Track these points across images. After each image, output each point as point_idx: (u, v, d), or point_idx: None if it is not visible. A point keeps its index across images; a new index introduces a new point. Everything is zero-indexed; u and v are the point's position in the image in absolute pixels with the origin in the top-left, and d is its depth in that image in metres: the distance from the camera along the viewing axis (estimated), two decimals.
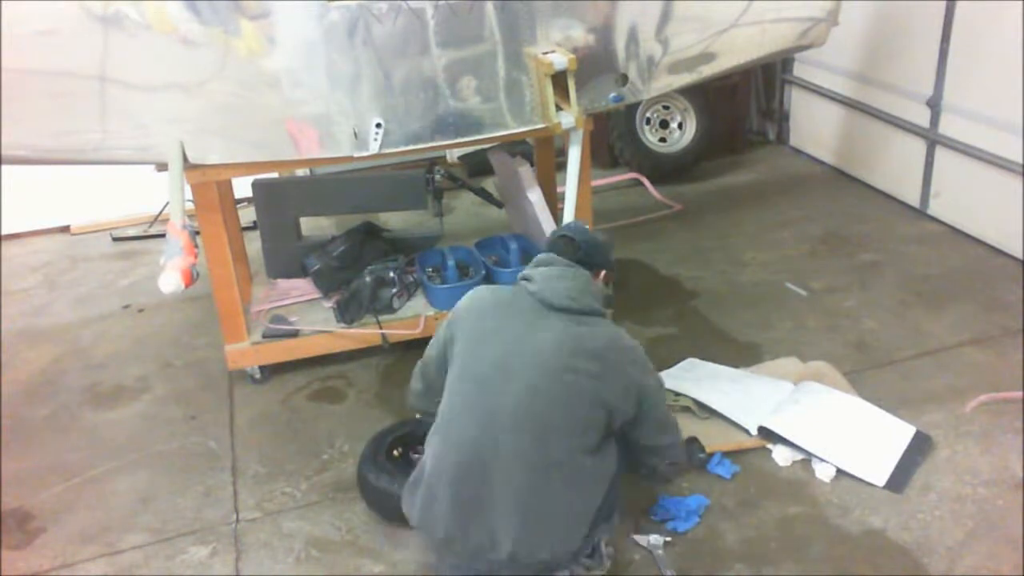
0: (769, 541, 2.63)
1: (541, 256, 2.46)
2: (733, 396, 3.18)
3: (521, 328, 2.29)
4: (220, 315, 3.37)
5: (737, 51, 3.45)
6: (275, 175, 4.29)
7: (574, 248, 2.42)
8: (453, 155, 5.74)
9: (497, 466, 2.19)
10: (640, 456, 2.45)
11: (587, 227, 2.60)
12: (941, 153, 4.52)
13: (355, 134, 3.06)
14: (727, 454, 2.95)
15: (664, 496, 2.77)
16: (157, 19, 2.79)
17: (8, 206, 4.99)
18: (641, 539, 2.63)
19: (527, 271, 2.42)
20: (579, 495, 2.23)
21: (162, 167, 3.01)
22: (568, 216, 3.28)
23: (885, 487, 2.78)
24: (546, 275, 2.36)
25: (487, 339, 2.32)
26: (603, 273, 2.51)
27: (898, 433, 2.97)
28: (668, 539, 2.62)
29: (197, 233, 2.86)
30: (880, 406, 3.09)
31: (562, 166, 3.37)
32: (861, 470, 2.83)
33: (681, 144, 5.36)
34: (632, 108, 5.08)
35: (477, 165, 5.42)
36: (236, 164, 3.10)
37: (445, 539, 2.23)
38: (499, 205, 4.64)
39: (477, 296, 2.46)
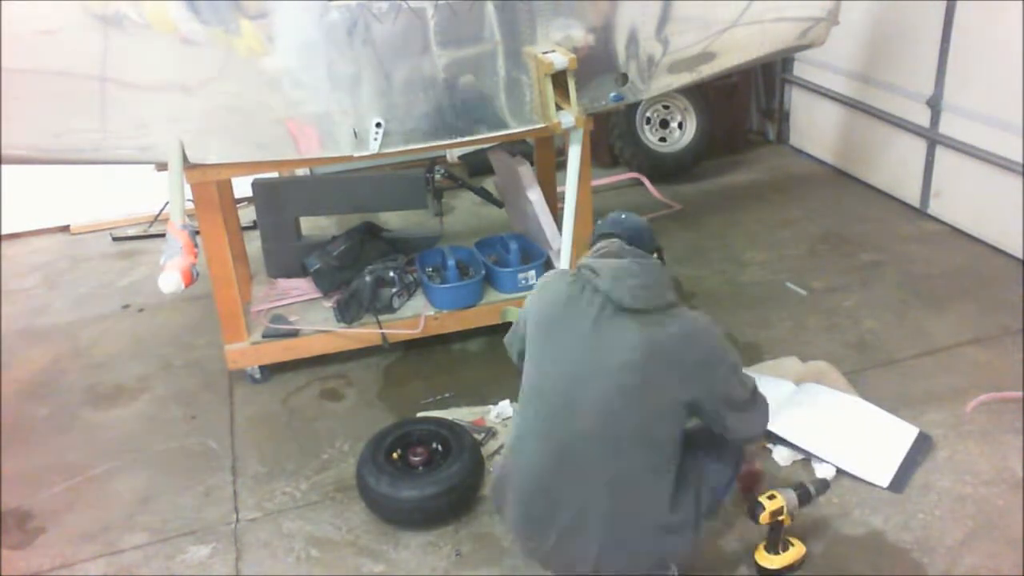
0: None
1: (609, 244, 2.26)
2: None
3: (590, 333, 2.14)
4: (220, 315, 3.37)
5: (737, 51, 3.45)
6: (275, 175, 4.29)
7: (630, 237, 2.28)
8: (453, 155, 5.75)
9: (569, 490, 2.17)
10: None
11: (623, 214, 2.41)
12: (941, 153, 4.52)
13: (355, 134, 3.06)
14: None
15: None
16: (157, 18, 2.79)
17: (8, 206, 4.99)
18: None
19: (590, 260, 2.22)
20: (652, 510, 2.18)
21: (162, 167, 3.01)
22: (568, 216, 3.28)
23: (887, 488, 2.78)
24: (615, 270, 2.17)
25: (554, 343, 2.21)
26: (657, 257, 2.35)
27: (901, 434, 2.97)
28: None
29: (197, 233, 2.86)
30: (880, 406, 3.09)
31: (562, 166, 3.37)
32: (864, 471, 2.83)
33: (681, 144, 5.36)
34: (632, 108, 5.07)
35: (477, 165, 5.42)
36: (236, 164, 3.10)
37: (524, 546, 2.33)
38: (499, 205, 4.64)
39: (542, 297, 2.32)
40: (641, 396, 2.12)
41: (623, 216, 2.41)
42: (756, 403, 2.35)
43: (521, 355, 2.37)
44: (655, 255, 2.34)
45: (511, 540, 2.58)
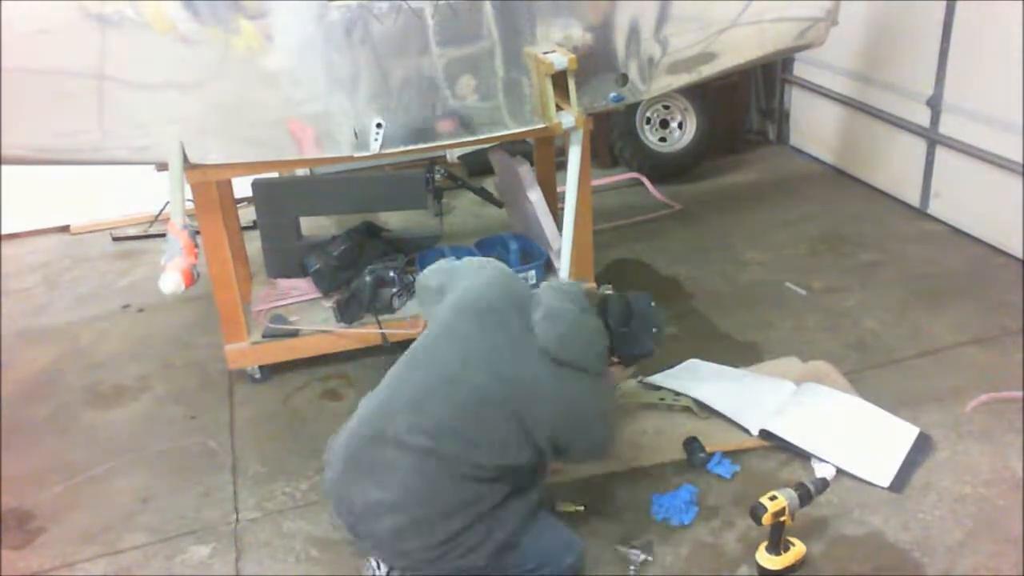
0: None
1: (571, 284, 2.38)
2: (734, 396, 3.18)
3: (488, 348, 2.23)
4: (220, 315, 3.37)
5: (737, 51, 3.45)
6: (275, 175, 4.29)
7: (620, 314, 2.35)
8: (453, 155, 5.75)
9: (390, 443, 2.18)
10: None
11: (655, 329, 2.45)
12: (941, 153, 4.51)
13: (355, 134, 3.06)
14: (727, 454, 2.95)
15: (655, 494, 2.77)
16: (156, 18, 2.79)
17: (8, 206, 4.99)
18: (622, 550, 2.58)
19: (546, 288, 2.33)
20: (452, 498, 2.17)
21: (162, 167, 3.01)
22: (568, 216, 3.27)
23: (888, 488, 2.78)
24: (553, 309, 2.26)
25: (453, 338, 2.28)
26: (617, 360, 2.43)
27: (901, 434, 2.97)
28: (649, 558, 2.55)
29: (197, 233, 2.86)
30: (880, 406, 3.09)
31: (562, 166, 3.37)
32: (865, 471, 2.83)
33: (681, 144, 5.36)
34: (632, 108, 5.08)
35: (477, 165, 5.43)
36: (236, 164, 3.10)
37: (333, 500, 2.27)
38: (499, 205, 4.64)
39: (482, 281, 2.38)
40: (494, 422, 2.17)
41: (655, 329, 2.45)
42: (597, 448, 2.42)
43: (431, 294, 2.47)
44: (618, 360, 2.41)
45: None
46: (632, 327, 2.38)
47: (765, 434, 2.99)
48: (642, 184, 5.30)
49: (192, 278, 2.70)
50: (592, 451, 2.42)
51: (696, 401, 3.17)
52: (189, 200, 2.98)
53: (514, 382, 2.20)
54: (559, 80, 3.01)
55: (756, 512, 2.42)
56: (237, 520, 2.87)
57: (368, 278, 3.54)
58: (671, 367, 3.43)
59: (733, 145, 5.77)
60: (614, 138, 5.34)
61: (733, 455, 2.95)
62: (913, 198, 4.74)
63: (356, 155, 3.10)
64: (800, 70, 5.60)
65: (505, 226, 4.28)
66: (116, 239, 5.11)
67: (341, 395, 3.49)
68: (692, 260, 4.40)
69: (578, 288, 2.40)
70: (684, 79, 3.42)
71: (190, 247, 2.72)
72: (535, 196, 3.59)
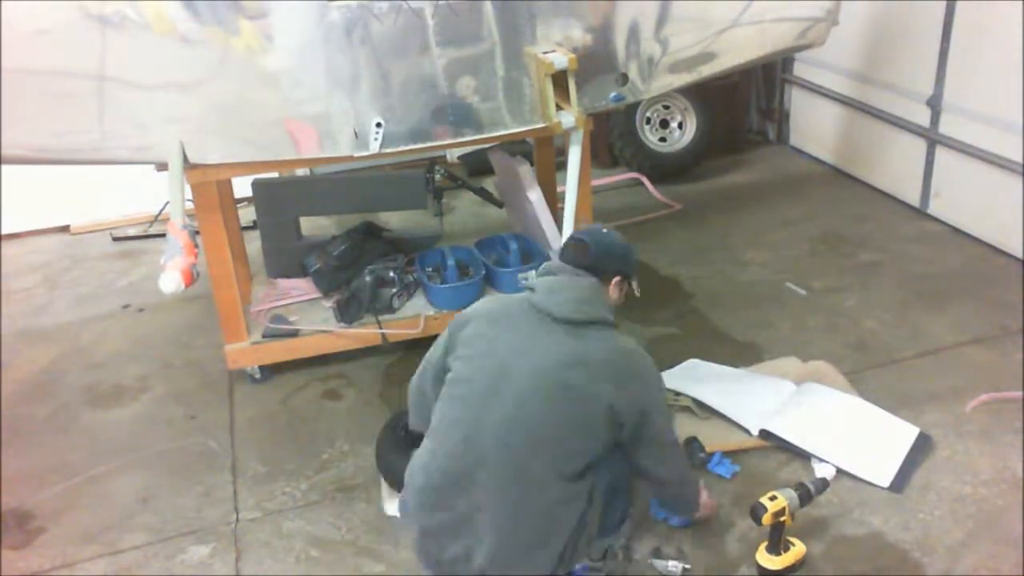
0: None
1: (548, 264, 2.45)
2: (734, 396, 3.18)
3: (521, 339, 2.25)
4: (220, 315, 3.37)
5: (737, 51, 3.45)
6: (275, 175, 4.29)
7: (584, 252, 2.37)
8: (453, 155, 5.75)
9: (479, 480, 2.18)
10: (644, 480, 2.44)
11: (604, 230, 2.50)
12: (941, 153, 4.52)
13: (355, 134, 3.06)
14: (727, 454, 2.95)
15: None
16: (156, 18, 2.79)
17: (8, 206, 4.99)
18: (659, 564, 2.56)
19: (532, 281, 2.38)
20: (554, 520, 2.19)
21: (162, 167, 3.01)
22: (568, 216, 3.28)
23: (888, 488, 2.78)
24: (549, 285, 2.32)
25: (485, 350, 2.28)
26: (617, 279, 2.42)
27: (901, 434, 2.97)
28: (687, 566, 2.54)
29: (197, 233, 2.86)
30: (880, 406, 3.09)
31: (562, 166, 3.37)
32: (865, 471, 2.83)
33: (681, 144, 5.36)
34: (632, 108, 5.08)
35: (477, 165, 5.43)
36: (236, 164, 3.10)
37: (423, 549, 2.30)
38: (499, 205, 4.65)
39: (482, 306, 2.43)
40: (562, 401, 2.18)
41: (603, 229, 2.49)
42: (677, 448, 2.49)
43: (423, 397, 2.44)
44: (619, 278, 2.42)
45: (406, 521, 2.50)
46: (596, 254, 2.38)
47: (765, 434, 2.99)
48: (642, 184, 5.30)
49: (192, 278, 2.70)
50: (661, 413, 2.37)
51: (696, 401, 3.17)
52: (189, 200, 2.98)
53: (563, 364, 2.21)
54: (559, 80, 3.01)
55: (756, 512, 2.42)
56: (237, 520, 2.87)
57: (368, 278, 3.54)
58: (671, 367, 3.43)
59: (733, 145, 5.77)
60: (614, 138, 5.34)
61: (733, 455, 2.95)
62: (913, 198, 4.74)
63: (356, 155, 3.10)
64: (800, 70, 5.60)
65: (505, 226, 4.28)
66: (116, 239, 5.11)
67: (341, 395, 3.49)
68: (692, 260, 4.40)
69: (556, 264, 2.42)
70: (684, 79, 3.42)
71: (190, 247, 2.72)
72: (535, 196, 3.59)
